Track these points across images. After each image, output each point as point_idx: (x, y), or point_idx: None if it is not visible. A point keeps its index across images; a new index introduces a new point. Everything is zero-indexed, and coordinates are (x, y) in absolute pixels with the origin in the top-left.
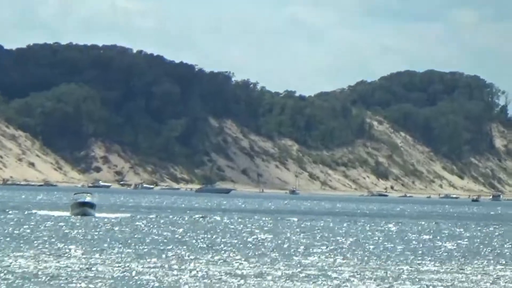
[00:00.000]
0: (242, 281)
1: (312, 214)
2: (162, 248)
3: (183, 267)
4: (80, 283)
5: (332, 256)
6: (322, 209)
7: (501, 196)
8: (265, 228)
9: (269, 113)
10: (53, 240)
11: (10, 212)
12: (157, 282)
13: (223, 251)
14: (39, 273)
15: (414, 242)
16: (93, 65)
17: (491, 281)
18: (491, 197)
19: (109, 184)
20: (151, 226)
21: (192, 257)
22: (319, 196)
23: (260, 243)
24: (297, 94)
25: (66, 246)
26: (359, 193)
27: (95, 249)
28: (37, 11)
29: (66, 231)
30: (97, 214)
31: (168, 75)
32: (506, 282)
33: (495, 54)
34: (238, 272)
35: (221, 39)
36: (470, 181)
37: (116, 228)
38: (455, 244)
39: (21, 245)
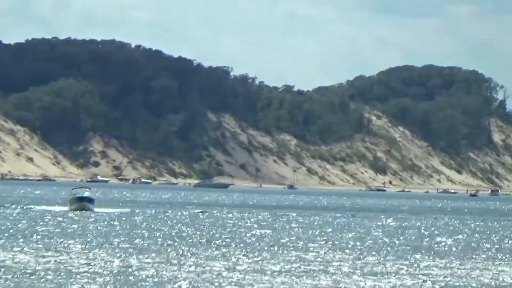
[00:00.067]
0: (241, 276)
1: (310, 209)
2: (161, 243)
3: (182, 262)
4: (79, 278)
5: (331, 251)
6: (320, 204)
7: (499, 190)
8: (264, 223)
9: (268, 107)
10: (51, 235)
11: (8, 206)
12: (156, 277)
13: (222, 246)
14: (38, 268)
15: (412, 237)
16: (92, 59)
17: (490, 276)
18: (489, 191)
19: (107, 179)
20: (150, 221)
21: (191, 252)
22: (317, 191)
23: (259, 238)
24: (295, 89)
25: (64, 241)
26: (357, 188)
27: (93, 244)
28: (35, 6)
29: (64, 226)
30: (95, 209)
31: (167, 70)
32: (505, 277)
33: (494, 49)
34: (237, 267)
35: (219, 33)
36: (468, 176)
37: (115, 223)
38: (454, 239)
39: (19, 240)
